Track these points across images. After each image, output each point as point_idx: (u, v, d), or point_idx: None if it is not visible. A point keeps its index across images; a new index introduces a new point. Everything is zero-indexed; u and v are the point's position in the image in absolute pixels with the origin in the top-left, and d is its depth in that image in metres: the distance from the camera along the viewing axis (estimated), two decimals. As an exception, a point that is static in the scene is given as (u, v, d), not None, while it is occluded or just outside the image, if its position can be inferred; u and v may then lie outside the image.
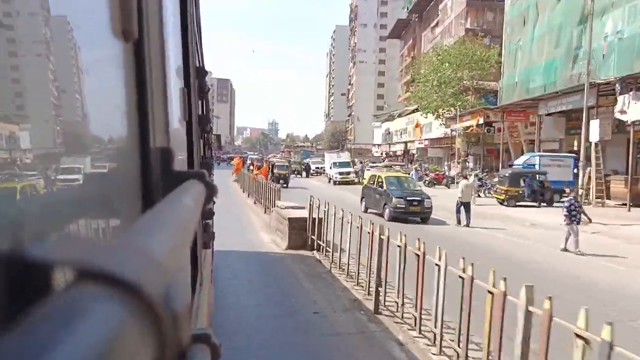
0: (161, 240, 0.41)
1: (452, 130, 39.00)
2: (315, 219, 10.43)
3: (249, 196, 21.78)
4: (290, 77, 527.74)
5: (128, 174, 0.77)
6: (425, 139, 51.64)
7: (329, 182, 37.43)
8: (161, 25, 0.98)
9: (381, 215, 16.79)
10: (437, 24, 57.40)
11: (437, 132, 45.34)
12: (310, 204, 10.69)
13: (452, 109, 38.79)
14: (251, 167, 36.14)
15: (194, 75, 2.11)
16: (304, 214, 11.38)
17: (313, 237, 10.50)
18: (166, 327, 0.30)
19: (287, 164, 33.84)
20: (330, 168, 38.44)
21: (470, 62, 38.55)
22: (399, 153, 65.64)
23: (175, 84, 1.33)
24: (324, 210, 10.07)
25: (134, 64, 0.75)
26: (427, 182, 32.89)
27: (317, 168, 48.49)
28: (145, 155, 0.78)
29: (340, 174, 36.45)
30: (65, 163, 0.58)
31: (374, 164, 45.30)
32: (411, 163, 51.82)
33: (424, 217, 16.65)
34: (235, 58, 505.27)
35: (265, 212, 16.08)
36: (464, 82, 39.33)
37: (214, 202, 1.98)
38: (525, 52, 32.44)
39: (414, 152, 57.22)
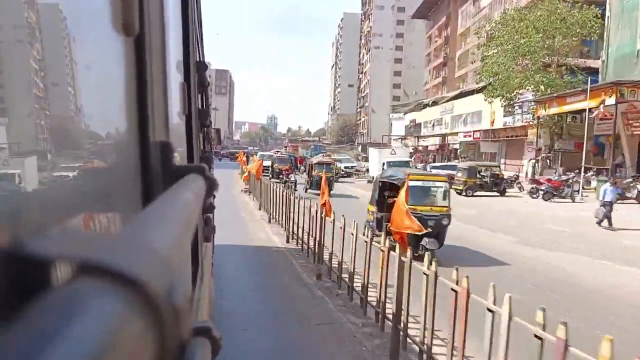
0: (162, 234, 0.41)
1: (539, 118, 29.35)
2: None
3: (301, 246, 10.35)
4: (290, 72, 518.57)
5: (128, 169, 0.77)
6: (476, 131, 41.28)
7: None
8: (162, 19, 0.98)
9: None
10: (482, -6, 48.90)
11: (493, 121, 36.34)
12: None
13: (536, 88, 29.32)
14: (283, 172, 26.03)
15: (194, 69, 2.11)
16: None
17: None
18: (168, 322, 0.30)
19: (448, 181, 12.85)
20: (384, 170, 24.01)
21: (562, 27, 28.42)
22: (432, 148, 55.67)
23: (175, 79, 1.33)
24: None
25: (134, 58, 0.75)
26: (541, 193, 22.46)
27: (348, 168, 37.98)
28: (145, 149, 0.78)
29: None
30: (64, 157, 0.58)
31: (440, 164, 35.47)
32: (456, 160, 39.84)
33: None
34: (232, 52, 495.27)
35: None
36: (552, 53, 29.39)
37: (214, 196, 2.00)
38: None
39: (457, 146, 47.21)
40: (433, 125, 53.49)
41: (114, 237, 0.36)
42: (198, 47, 2.87)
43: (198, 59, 2.66)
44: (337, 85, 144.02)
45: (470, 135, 43.23)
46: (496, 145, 39.83)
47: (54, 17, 0.55)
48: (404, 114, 66.56)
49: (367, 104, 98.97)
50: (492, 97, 31.38)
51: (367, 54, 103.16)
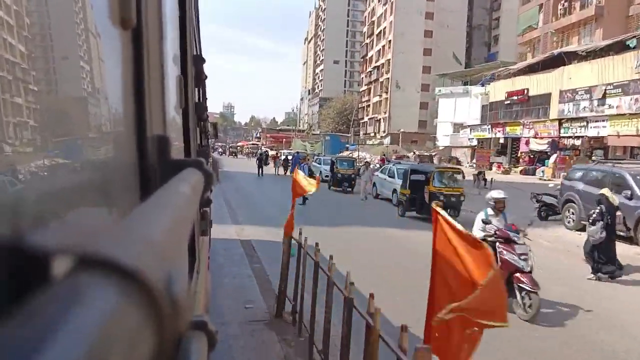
0: (160, 228, 0.41)
1: None
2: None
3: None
4: (248, 57, 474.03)
5: (125, 162, 0.77)
6: None
7: None
8: (160, 12, 0.98)
9: None
10: None
11: None
12: None
13: None
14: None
15: (191, 63, 2.12)
16: None
17: None
18: (166, 314, 0.30)
19: None
20: None
21: None
22: (620, 141, 26.74)
23: (172, 72, 1.33)
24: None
25: (131, 51, 0.75)
26: None
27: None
28: (142, 143, 0.78)
29: None
30: (61, 151, 0.58)
31: None
32: None
33: None
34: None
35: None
36: None
37: (212, 190, 2.00)
38: None
39: None
40: (604, 95, 27.39)
41: (113, 230, 0.39)
42: (195, 41, 2.87)
43: (195, 53, 2.66)
44: (317, 62, 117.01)
45: None
46: None
47: (50, 10, 0.55)
48: (483, 84, 40.90)
49: (389, 77, 68.19)
50: None
51: (384, 4, 72.39)
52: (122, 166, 0.77)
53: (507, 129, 36.14)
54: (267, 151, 38.78)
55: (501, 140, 37.69)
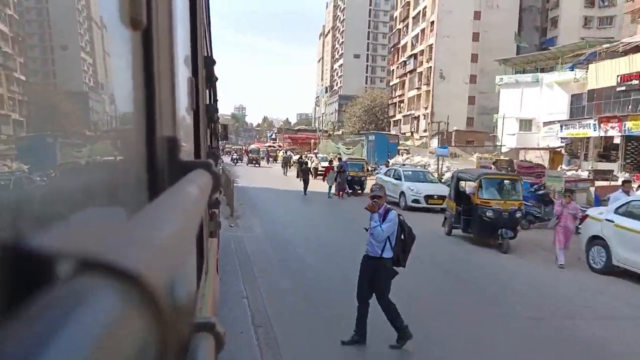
0: (166, 230, 0.41)
1: None
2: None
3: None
4: (258, 58, 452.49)
5: (134, 163, 0.77)
6: None
7: None
8: (170, 13, 0.98)
9: None
10: None
11: None
12: None
13: None
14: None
15: (202, 64, 2.12)
16: None
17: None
18: (167, 316, 0.30)
19: None
20: None
21: None
22: None
23: (183, 73, 1.33)
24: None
25: (142, 52, 0.75)
26: None
27: None
28: (152, 144, 0.79)
29: None
30: (71, 151, 0.58)
31: None
32: None
33: None
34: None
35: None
36: None
37: (220, 192, 2.00)
38: None
39: None
40: None
41: (118, 232, 0.39)
42: (206, 42, 2.88)
43: (206, 54, 2.67)
44: (336, 57, 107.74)
45: None
46: None
47: (61, 11, 0.55)
48: (573, 68, 32.49)
49: (432, 65, 55.17)
50: None
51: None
52: (132, 166, 0.77)
53: (629, 124, 24.81)
54: (301, 156, 30.04)
55: (616, 140, 26.92)
